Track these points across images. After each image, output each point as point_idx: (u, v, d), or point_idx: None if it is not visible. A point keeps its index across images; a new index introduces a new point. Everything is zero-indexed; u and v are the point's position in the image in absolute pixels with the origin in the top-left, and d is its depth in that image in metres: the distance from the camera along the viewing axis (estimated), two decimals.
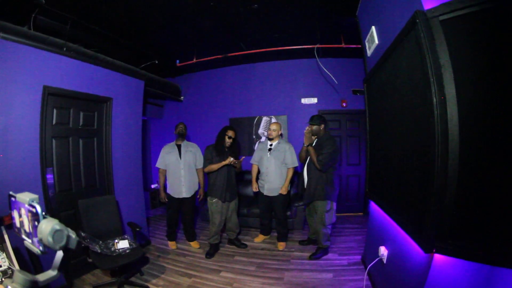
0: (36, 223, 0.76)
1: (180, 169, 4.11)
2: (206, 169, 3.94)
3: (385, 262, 2.64)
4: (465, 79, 1.50)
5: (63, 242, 0.76)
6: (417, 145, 1.83)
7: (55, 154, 3.39)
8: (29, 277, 0.72)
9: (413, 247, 1.96)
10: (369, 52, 3.11)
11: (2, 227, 2.35)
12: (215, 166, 3.84)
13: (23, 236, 0.85)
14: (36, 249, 0.80)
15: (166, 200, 4.23)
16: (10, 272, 2.01)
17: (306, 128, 3.71)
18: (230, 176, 3.98)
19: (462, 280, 1.61)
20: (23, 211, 0.82)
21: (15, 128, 2.90)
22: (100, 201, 3.46)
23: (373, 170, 3.06)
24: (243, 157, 4.09)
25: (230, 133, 3.93)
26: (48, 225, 0.74)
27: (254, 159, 4.32)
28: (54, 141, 3.38)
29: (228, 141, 3.91)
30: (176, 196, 4.13)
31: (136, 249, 3.17)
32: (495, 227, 1.40)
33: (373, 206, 3.18)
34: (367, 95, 3.21)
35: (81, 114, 3.70)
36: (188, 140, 4.38)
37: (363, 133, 5.51)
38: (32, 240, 0.81)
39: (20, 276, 0.71)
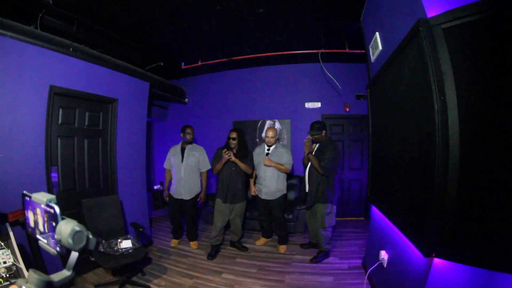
0: (53, 223, 0.75)
1: (181, 172, 4.19)
2: (214, 170, 4.00)
3: (385, 266, 2.65)
4: (467, 86, 1.52)
5: (83, 243, 0.75)
6: (419, 151, 1.85)
7: (60, 153, 3.43)
8: (44, 278, 0.70)
9: (413, 251, 1.97)
10: (372, 58, 3.14)
11: (7, 224, 2.38)
12: (218, 165, 3.88)
13: (38, 236, 0.83)
14: (53, 249, 0.79)
15: (167, 198, 4.39)
16: (15, 268, 2.04)
17: (306, 138, 3.74)
18: (233, 178, 3.97)
19: (461, 285, 1.63)
20: (38, 211, 0.81)
21: (22, 126, 2.95)
22: (104, 201, 3.49)
23: (375, 174, 3.07)
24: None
25: (233, 134, 3.95)
26: (67, 227, 0.73)
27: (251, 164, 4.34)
28: (59, 140, 3.42)
29: (232, 142, 3.93)
30: (175, 196, 4.26)
31: (139, 249, 3.19)
32: (495, 232, 1.41)
33: (375, 210, 3.19)
34: (370, 100, 3.24)
35: (87, 114, 3.75)
36: (194, 142, 4.44)
37: (365, 138, 5.51)
38: (47, 241, 0.81)
39: (34, 277, 0.70)
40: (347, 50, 4.68)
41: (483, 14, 1.42)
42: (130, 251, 3.11)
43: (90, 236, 0.78)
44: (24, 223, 2.61)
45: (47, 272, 2.79)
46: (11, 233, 2.25)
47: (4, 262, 2.02)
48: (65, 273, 0.78)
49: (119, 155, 4.12)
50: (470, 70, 1.52)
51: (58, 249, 0.77)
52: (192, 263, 3.88)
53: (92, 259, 2.96)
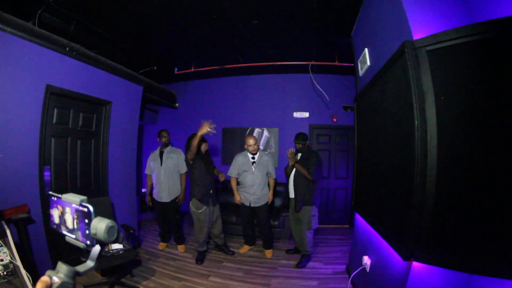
0: (86, 220, 0.84)
1: (161, 175, 4.28)
2: (189, 156, 3.70)
3: (368, 270, 2.79)
4: (445, 104, 1.67)
5: (115, 237, 0.85)
6: (400, 163, 2.00)
7: (53, 153, 3.47)
8: (72, 268, 0.79)
9: (394, 256, 2.11)
10: (361, 72, 3.29)
11: (3, 222, 2.40)
12: (194, 142, 3.51)
13: (64, 232, 0.92)
14: (82, 243, 0.87)
15: (151, 204, 4.49)
16: (12, 266, 2.07)
17: (288, 152, 3.86)
18: (210, 177, 3.93)
19: (439, 287, 1.76)
20: (68, 209, 0.90)
21: (16, 125, 2.96)
22: (96, 202, 3.51)
23: (359, 183, 3.22)
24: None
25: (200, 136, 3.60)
26: (103, 223, 0.81)
27: (233, 173, 4.28)
28: (53, 140, 3.46)
29: (205, 144, 3.91)
30: (158, 200, 4.35)
31: (129, 250, 3.24)
32: (469, 238, 1.56)
33: (358, 218, 3.33)
34: (356, 113, 3.40)
35: (81, 115, 3.80)
36: (179, 147, 4.54)
37: (351, 148, 5.66)
38: (76, 236, 0.89)
39: (64, 267, 0.78)
40: (336, 63, 4.84)
41: (463, 38, 1.58)
42: (121, 252, 3.16)
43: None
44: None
45: (37, 268, 2.84)
46: (7, 231, 2.27)
47: (1, 260, 2.04)
48: (89, 264, 0.87)
49: (110, 157, 4.17)
50: (449, 90, 1.67)
51: (88, 242, 0.86)
52: (180, 266, 3.93)
53: (83, 259, 2.99)
